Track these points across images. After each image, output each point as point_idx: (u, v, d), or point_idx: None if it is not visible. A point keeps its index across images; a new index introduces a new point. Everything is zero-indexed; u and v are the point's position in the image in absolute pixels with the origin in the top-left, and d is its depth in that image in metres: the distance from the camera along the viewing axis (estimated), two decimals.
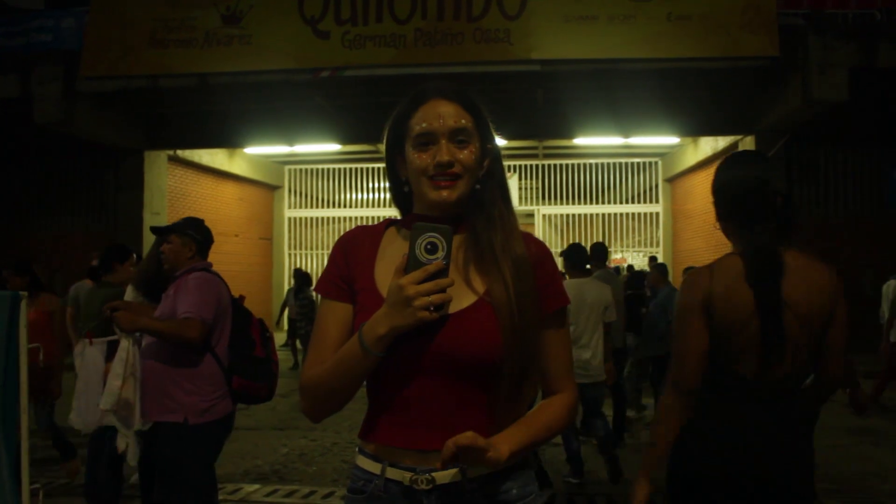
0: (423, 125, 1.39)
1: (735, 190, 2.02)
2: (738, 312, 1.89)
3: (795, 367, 1.91)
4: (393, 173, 1.50)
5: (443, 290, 1.26)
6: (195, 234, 3.37)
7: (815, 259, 1.98)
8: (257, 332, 3.38)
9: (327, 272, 1.46)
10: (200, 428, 3.08)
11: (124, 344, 3.23)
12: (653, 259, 15.58)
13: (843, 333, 1.96)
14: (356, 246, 1.46)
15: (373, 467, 1.39)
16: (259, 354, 3.33)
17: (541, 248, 1.45)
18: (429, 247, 1.27)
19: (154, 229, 3.51)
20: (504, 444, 1.28)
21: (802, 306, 1.89)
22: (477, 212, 1.43)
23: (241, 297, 3.51)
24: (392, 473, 1.36)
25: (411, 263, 1.27)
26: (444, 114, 1.39)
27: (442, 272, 1.26)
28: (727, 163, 2.10)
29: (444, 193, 1.36)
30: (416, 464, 1.35)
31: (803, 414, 1.98)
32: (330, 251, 1.50)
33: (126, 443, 3.21)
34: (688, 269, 8.10)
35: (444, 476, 1.34)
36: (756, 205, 1.96)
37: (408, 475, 1.35)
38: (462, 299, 1.34)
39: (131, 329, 3.14)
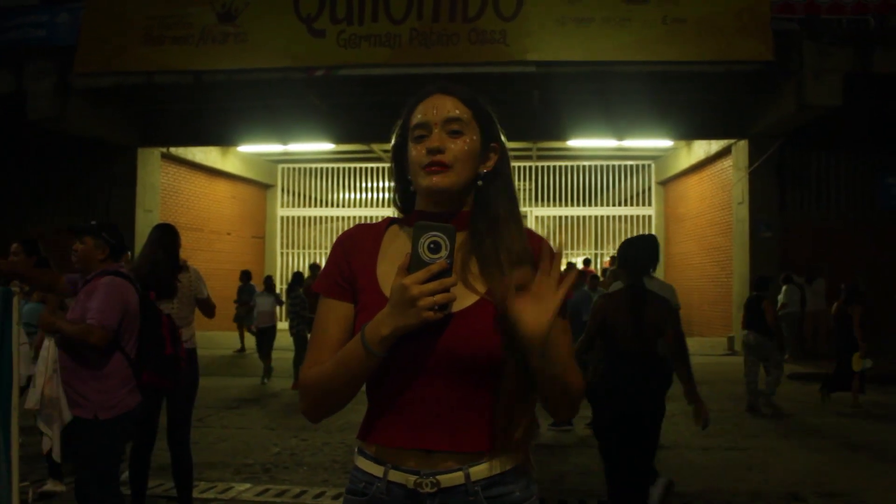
0: (419, 117, 1.41)
1: (621, 256, 4.04)
2: (619, 319, 3.78)
3: (647, 345, 3.75)
4: (400, 173, 1.49)
5: (446, 290, 1.24)
6: (109, 237, 3.50)
7: (659, 296, 3.94)
8: (167, 330, 3.68)
9: (327, 271, 1.44)
10: (109, 422, 3.30)
11: (46, 343, 3.36)
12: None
13: (673, 331, 3.78)
14: (357, 244, 1.45)
15: (374, 469, 1.37)
16: (168, 352, 3.66)
17: (542, 244, 1.44)
18: (432, 246, 1.25)
19: (71, 228, 3.61)
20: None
21: (650, 317, 3.74)
22: (480, 210, 1.43)
23: (153, 295, 3.78)
24: (395, 476, 1.35)
25: (414, 263, 1.25)
26: (438, 105, 1.41)
27: (445, 272, 1.24)
28: (624, 242, 4.10)
29: (435, 179, 1.36)
30: (420, 466, 1.33)
31: (655, 368, 3.77)
32: (326, 250, 1.48)
33: (50, 443, 3.33)
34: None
35: (448, 479, 1.33)
36: (631, 266, 3.92)
37: (412, 478, 1.33)
38: (464, 298, 1.33)
39: (48, 329, 3.29)
